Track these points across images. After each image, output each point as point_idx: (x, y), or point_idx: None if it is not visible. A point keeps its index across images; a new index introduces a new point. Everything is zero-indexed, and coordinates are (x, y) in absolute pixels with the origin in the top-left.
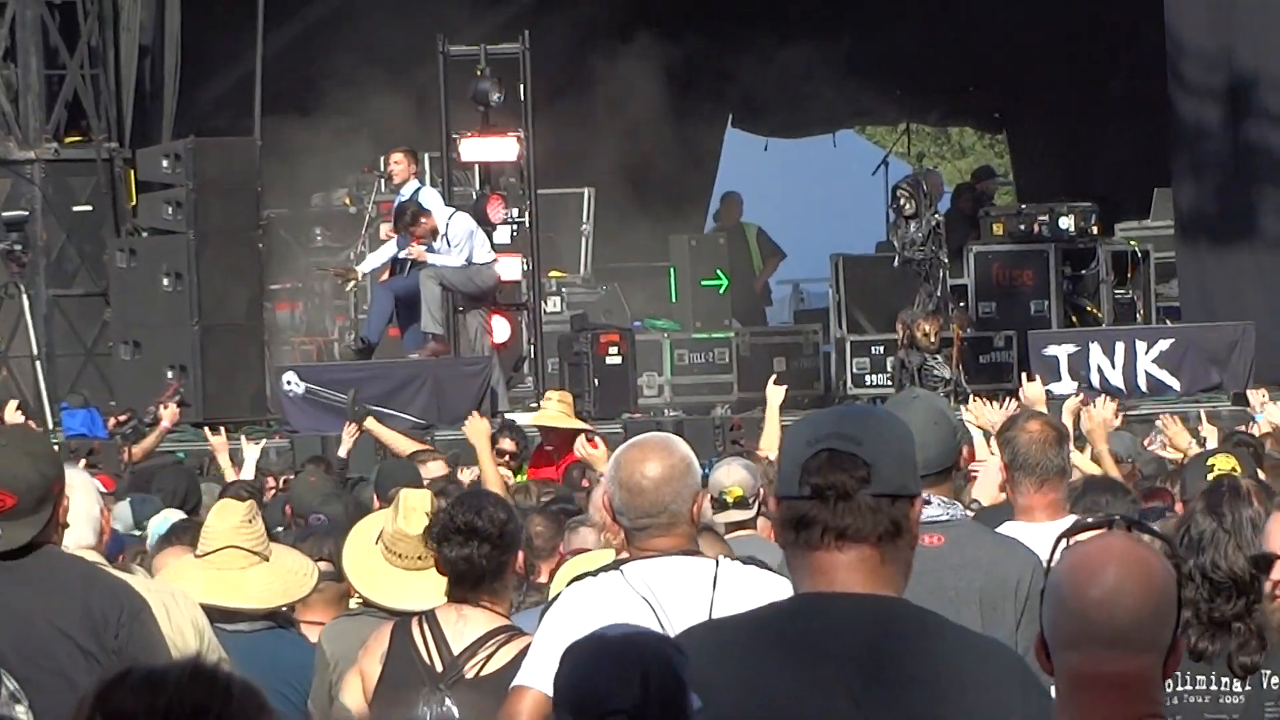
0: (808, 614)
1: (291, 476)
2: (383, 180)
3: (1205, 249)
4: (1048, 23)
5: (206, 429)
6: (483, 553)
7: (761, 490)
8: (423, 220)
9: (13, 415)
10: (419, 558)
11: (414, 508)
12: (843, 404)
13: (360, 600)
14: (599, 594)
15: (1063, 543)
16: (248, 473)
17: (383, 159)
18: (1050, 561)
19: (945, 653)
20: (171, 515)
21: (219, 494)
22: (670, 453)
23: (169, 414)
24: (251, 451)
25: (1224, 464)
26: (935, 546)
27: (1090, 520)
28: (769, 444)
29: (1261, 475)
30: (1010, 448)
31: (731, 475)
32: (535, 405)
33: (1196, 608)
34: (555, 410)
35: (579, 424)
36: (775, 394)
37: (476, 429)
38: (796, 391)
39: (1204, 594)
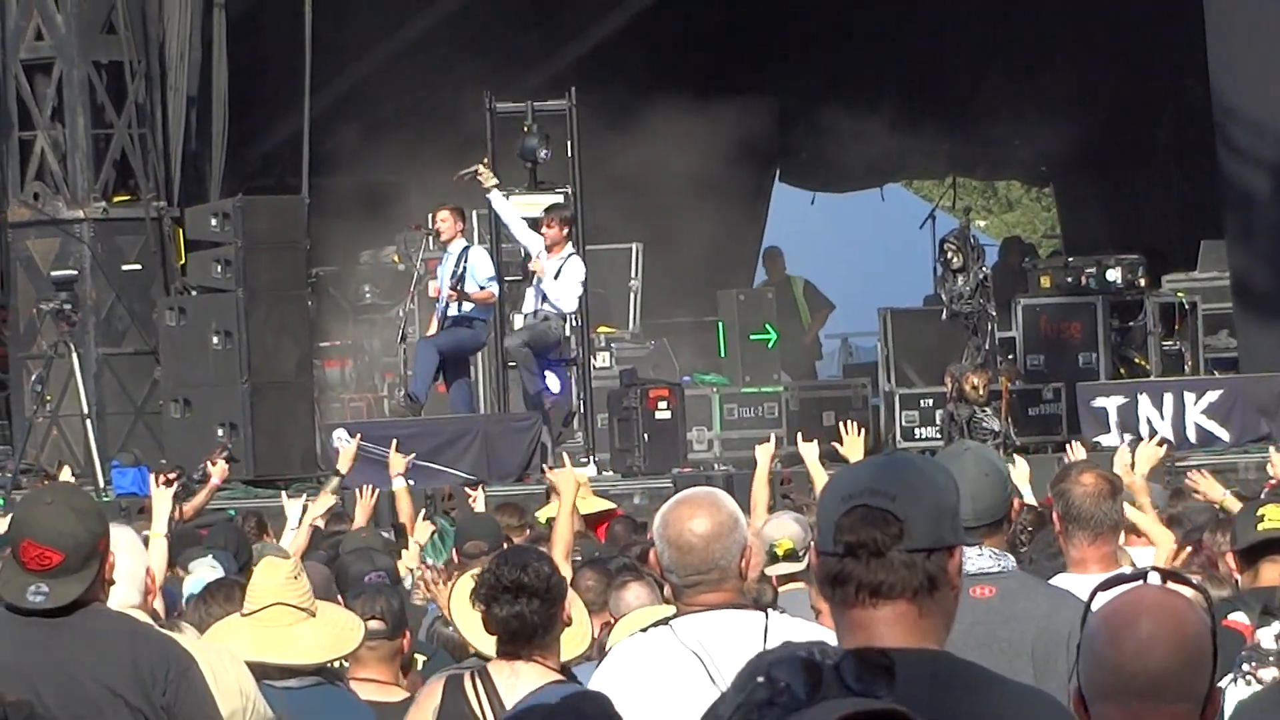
0: None
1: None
2: (430, 238)
3: (1262, 304)
4: (1092, 76)
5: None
6: (533, 608)
7: (812, 543)
8: (564, 226)
9: (66, 479)
10: None
11: None
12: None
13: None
14: (649, 650)
15: (1097, 596)
16: (290, 529)
17: (430, 216)
18: (1085, 615)
19: (991, 705)
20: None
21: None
22: (718, 508)
23: (218, 471)
24: (293, 508)
25: (1275, 514)
26: (987, 598)
27: (1124, 573)
28: None
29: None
30: (1064, 500)
31: (782, 529)
32: (585, 460)
33: None
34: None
35: (603, 504)
36: (808, 450)
37: (566, 477)
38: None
39: None
